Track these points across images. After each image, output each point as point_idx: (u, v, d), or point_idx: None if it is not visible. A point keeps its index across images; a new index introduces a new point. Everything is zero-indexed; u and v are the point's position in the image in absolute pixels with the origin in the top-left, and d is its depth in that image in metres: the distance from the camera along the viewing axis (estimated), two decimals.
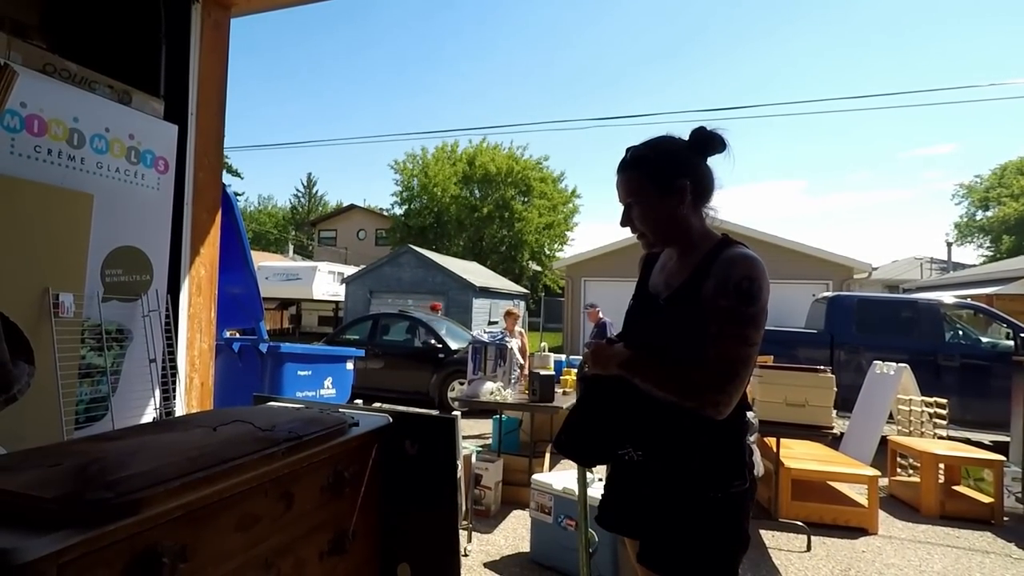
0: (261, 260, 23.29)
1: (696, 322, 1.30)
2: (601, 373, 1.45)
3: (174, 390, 2.30)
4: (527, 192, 28.32)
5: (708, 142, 1.39)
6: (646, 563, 1.38)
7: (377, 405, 2.07)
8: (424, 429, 1.81)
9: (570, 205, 29.97)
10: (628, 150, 1.43)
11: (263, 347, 4.65)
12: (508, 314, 6.95)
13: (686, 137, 1.41)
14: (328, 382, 5.14)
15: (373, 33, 63.27)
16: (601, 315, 7.97)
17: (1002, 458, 4.30)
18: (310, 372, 4.94)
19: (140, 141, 2.18)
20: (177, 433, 1.41)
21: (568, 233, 30.06)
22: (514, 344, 6.86)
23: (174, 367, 2.30)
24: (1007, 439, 4.88)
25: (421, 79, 62.88)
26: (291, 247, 34.00)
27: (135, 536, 1.03)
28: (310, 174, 52.11)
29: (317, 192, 47.62)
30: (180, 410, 2.35)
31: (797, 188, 61.24)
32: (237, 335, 5.37)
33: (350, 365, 5.55)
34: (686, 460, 1.33)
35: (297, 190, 47.79)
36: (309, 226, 39.88)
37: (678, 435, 1.34)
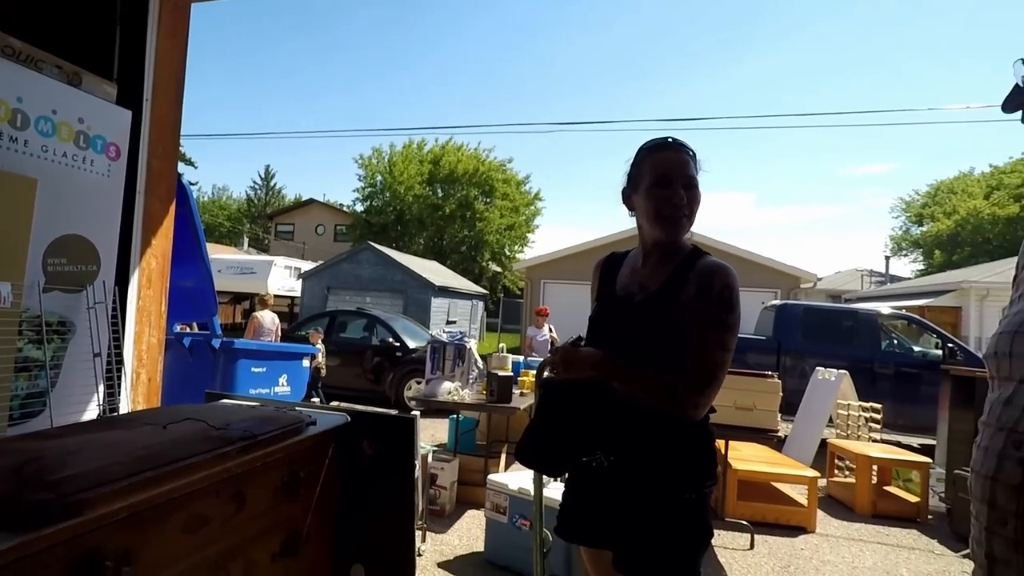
0: (214, 253, 22.39)
1: (672, 324, 1.33)
2: (572, 377, 1.42)
3: (119, 386, 2.21)
4: (490, 193, 28.32)
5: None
6: (624, 570, 1.36)
7: (335, 404, 2.05)
8: (383, 429, 1.81)
9: (532, 207, 30.13)
10: (670, 137, 1.43)
11: (215, 343, 4.51)
12: (537, 312, 8.02)
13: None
14: (283, 379, 5.02)
15: (339, 25, 62.09)
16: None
17: (928, 460, 4.58)
18: (264, 369, 4.81)
19: (90, 125, 2.08)
20: (123, 431, 1.37)
21: (529, 235, 30.22)
22: (544, 336, 7.29)
23: (120, 362, 2.21)
24: (934, 442, 5.21)
25: (388, 75, 62.06)
26: (246, 240, 32.95)
27: (75, 539, 0.99)
28: (268, 166, 50.60)
29: (275, 185, 46.29)
30: (125, 407, 2.26)
31: (747, 200, 63.53)
32: (188, 330, 5.18)
33: (306, 362, 5.44)
34: (662, 463, 1.34)
35: (254, 182, 46.29)
36: (265, 219, 38.77)
37: (653, 439, 1.34)
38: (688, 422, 1.33)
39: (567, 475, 1.58)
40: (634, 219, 1.51)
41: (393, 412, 1.84)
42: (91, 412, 2.14)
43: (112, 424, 1.47)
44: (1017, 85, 0.78)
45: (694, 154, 1.43)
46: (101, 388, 2.12)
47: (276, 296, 19.22)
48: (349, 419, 1.79)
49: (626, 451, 1.37)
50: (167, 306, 2.63)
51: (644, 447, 1.35)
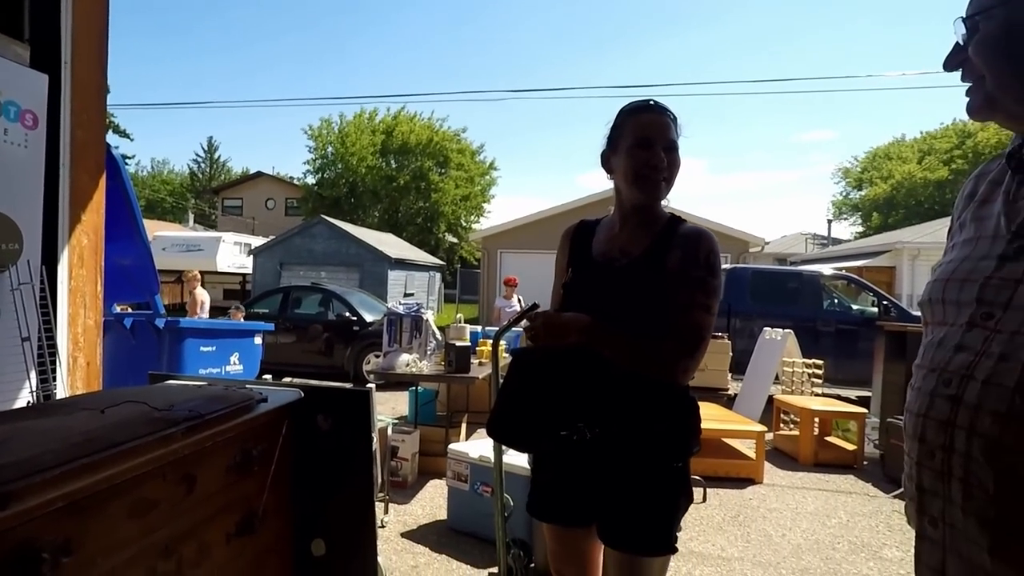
0: (157, 230, 21.41)
1: (658, 290, 1.31)
2: (553, 344, 1.34)
3: (54, 371, 2.10)
4: (444, 163, 27.85)
5: None
6: (614, 544, 1.33)
7: (288, 380, 2.00)
8: (337, 403, 1.78)
9: (487, 177, 29.84)
10: (651, 100, 1.41)
11: (160, 322, 4.31)
12: (507, 283, 7.70)
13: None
14: (234, 358, 4.86)
15: None
16: None
17: (864, 411, 4.89)
18: (214, 348, 4.64)
19: (0, 90, 1.91)
20: (58, 418, 1.30)
21: (485, 205, 30.01)
22: (512, 307, 7.20)
23: (52, 346, 2.09)
24: (870, 394, 5.54)
25: (337, 43, 59.48)
26: (191, 216, 31.49)
27: (6, 532, 0.94)
28: (211, 138, 48.15)
29: (219, 158, 44.22)
30: (62, 393, 2.15)
31: (700, 167, 64.90)
32: (129, 310, 4.95)
33: (258, 340, 5.28)
34: (652, 433, 1.31)
35: (197, 155, 44.08)
36: (211, 194, 37.11)
37: (641, 408, 1.31)
38: (675, 389, 1.32)
39: (538, 451, 1.51)
40: (612, 182, 1.48)
41: (348, 386, 1.82)
42: (23, 400, 2.03)
43: (45, 411, 1.40)
44: (957, 43, 0.80)
45: (675, 118, 1.40)
46: (33, 374, 2.01)
47: (225, 273, 18.65)
48: (303, 395, 1.76)
49: (613, 422, 1.31)
50: (104, 286, 2.49)
51: (633, 417, 1.30)
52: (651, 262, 1.34)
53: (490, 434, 1.49)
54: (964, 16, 0.78)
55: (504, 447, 2.07)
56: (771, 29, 62.80)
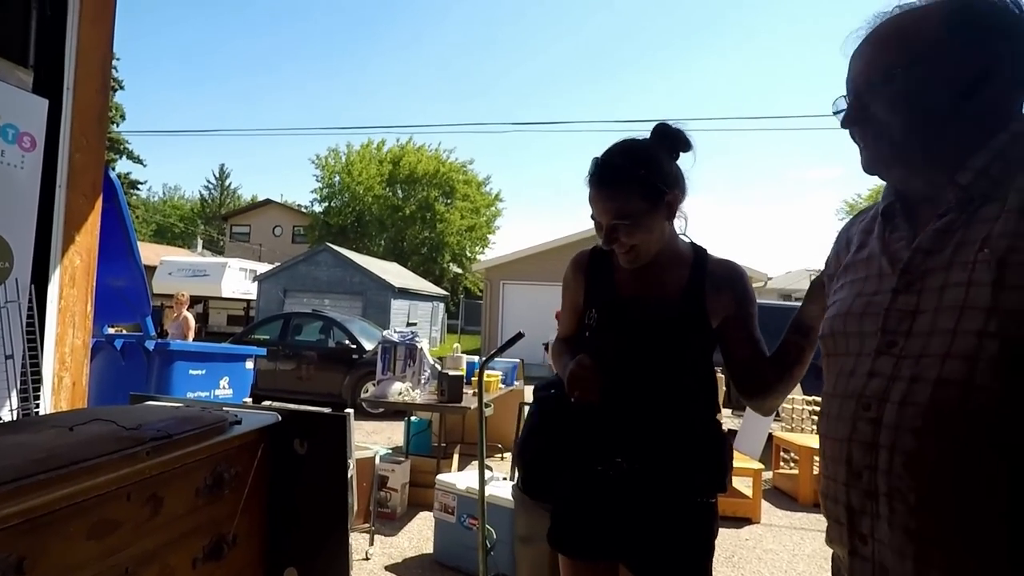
0: (165, 254, 21.71)
1: (699, 333, 1.31)
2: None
3: (36, 391, 2.09)
4: (450, 194, 28.23)
5: (676, 140, 1.32)
6: None
7: (267, 403, 1.99)
8: (315, 427, 1.76)
9: (492, 208, 30.17)
10: (600, 161, 1.30)
11: (150, 344, 4.31)
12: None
13: (645, 136, 1.34)
14: (224, 382, 4.83)
15: (295, 16, 60.78)
16: None
17: None
18: (204, 371, 4.62)
19: (0, 114, 1.96)
20: (26, 434, 1.29)
21: (490, 236, 30.25)
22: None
23: (36, 365, 2.09)
24: None
25: (346, 72, 61.14)
26: (199, 241, 31.88)
27: None
28: (222, 165, 49.15)
29: (230, 185, 45.04)
30: (45, 413, 2.14)
31: (702, 201, 65.59)
32: (124, 331, 4.97)
33: (249, 364, 5.26)
34: (695, 467, 1.30)
35: (208, 181, 44.98)
36: (220, 220, 37.69)
37: (683, 442, 1.29)
38: (711, 422, 1.33)
39: (571, 483, 1.44)
40: None
41: (326, 411, 1.80)
42: (5, 418, 2.02)
43: (14, 427, 1.39)
44: (850, 104, 0.87)
45: (635, 177, 1.25)
46: (14, 393, 2.00)
47: (230, 299, 18.75)
48: (279, 419, 1.74)
49: (655, 457, 1.29)
50: (94, 306, 2.51)
51: (675, 451, 1.29)
52: (690, 305, 1.31)
53: (526, 492, 1.51)
54: (845, 94, 0.87)
55: (488, 477, 2.02)
56: (782, 65, 64.10)
